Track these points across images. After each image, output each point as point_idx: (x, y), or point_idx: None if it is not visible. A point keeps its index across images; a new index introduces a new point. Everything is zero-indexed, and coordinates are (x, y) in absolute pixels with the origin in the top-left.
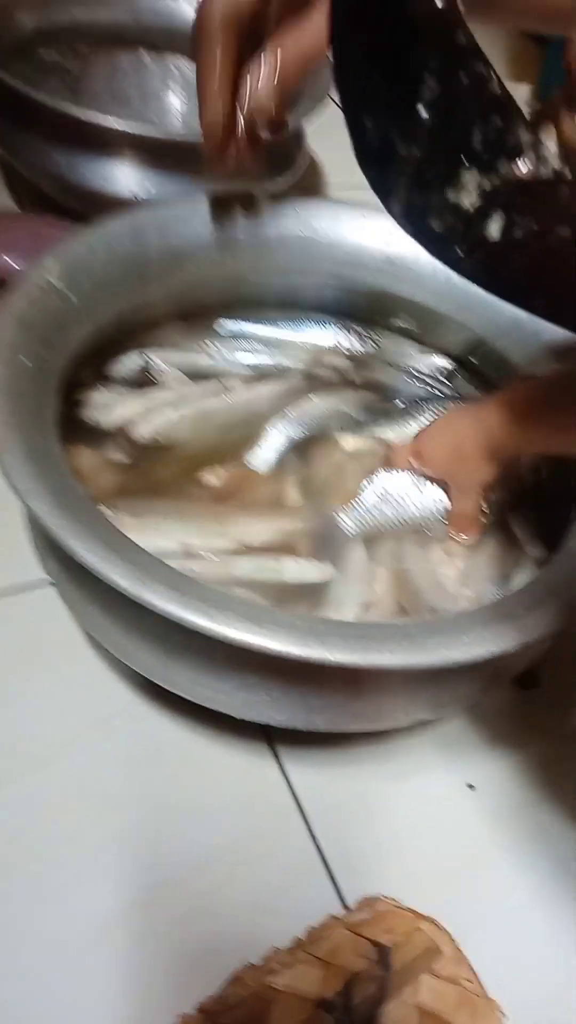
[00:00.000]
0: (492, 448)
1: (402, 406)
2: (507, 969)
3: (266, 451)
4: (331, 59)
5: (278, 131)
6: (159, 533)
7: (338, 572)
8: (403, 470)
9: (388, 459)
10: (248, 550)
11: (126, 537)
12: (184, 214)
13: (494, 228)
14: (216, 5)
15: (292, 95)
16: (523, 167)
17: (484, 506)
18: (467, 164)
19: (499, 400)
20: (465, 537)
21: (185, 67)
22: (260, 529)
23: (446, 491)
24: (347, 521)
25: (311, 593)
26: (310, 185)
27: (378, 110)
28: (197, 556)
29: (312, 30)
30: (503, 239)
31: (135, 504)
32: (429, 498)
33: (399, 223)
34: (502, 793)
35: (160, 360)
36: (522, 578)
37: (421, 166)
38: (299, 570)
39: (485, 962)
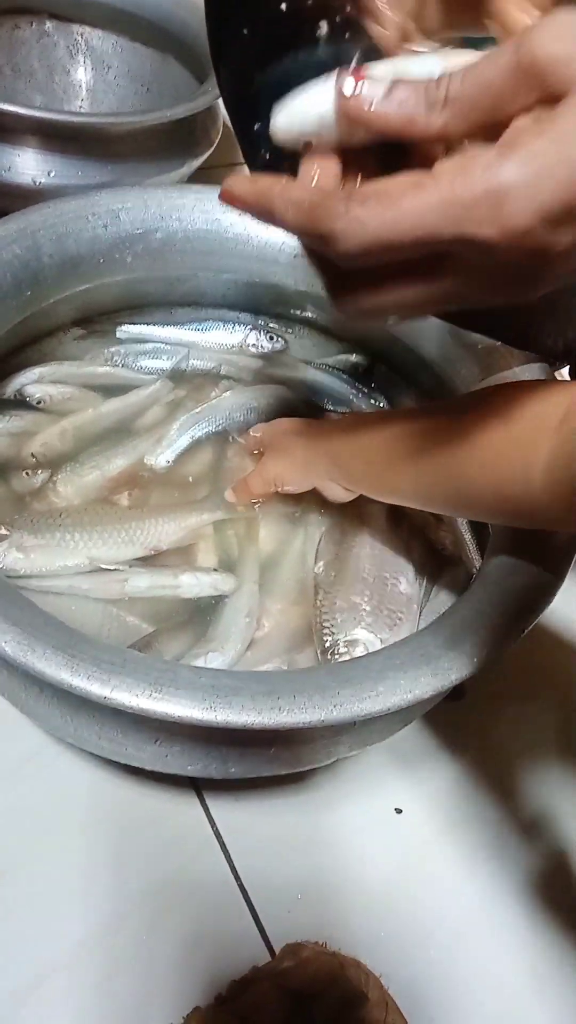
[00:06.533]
0: (311, 455)
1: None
2: (438, 1007)
3: (167, 451)
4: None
5: None
6: (64, 550)
7: (237, 583)
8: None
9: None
10: (158, 555)
11: (14, 591)
12: (78, 212)
13: None
14: None
15: None
16: None
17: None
18: None
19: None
20: (231, 496)
21: (92, 37)
22: (170, 529)
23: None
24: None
25: (204, 609)
26: (227, 161)
27: (269, 114)
28: (103, 570)
29: None
30: None
31: (37, 522)
32: None
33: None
34: (430, 815)
35: (52, 375)
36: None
37: None
38: (197, 585)
39: (414, 1001)
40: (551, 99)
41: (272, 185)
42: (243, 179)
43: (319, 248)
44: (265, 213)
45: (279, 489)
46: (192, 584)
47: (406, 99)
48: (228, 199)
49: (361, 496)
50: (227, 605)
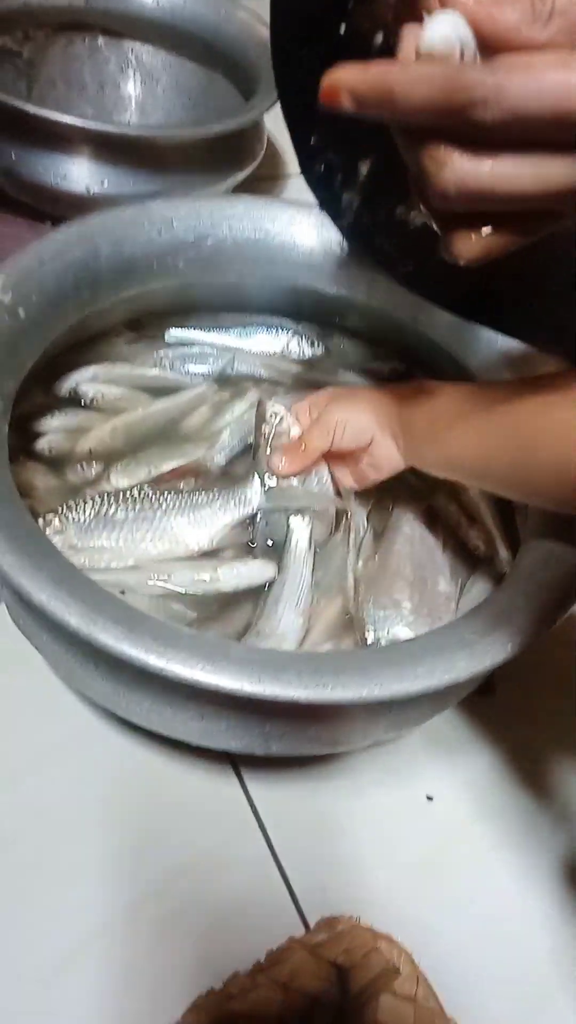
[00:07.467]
0: (376, 404)
1: None
2: (466, 983)
3: (219, 455)
4: (275, 78)
5: None
6: (112, 553)
7: (280, 571)
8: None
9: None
10: (199, 554)
11: (76, 570)
12: (135, 218)
13: None
14: None
15: None
16: None
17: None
18: None
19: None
20: (281, 464)
21: (142, 52)
22: (214, 529)
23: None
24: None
25: (240, 597)
26: (270, 174)
27: (325, 129)
28: (149, 568)
29: None
30: None
31: (86, 523)
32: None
33: (347, 240)
34: (460, 803)
35: (105, 375)
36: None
37: (370, 184)
38: (237, 577)
39: (444, 976)
40: None
41: (390, 67)
42: (353, 67)
43: (442, 127)
44: (382, 99)
45: (338, 440)
46: (231, 576)
47: (514, 4)
48: (332, 94)
49: (398, 496)
50: (280, 599)
